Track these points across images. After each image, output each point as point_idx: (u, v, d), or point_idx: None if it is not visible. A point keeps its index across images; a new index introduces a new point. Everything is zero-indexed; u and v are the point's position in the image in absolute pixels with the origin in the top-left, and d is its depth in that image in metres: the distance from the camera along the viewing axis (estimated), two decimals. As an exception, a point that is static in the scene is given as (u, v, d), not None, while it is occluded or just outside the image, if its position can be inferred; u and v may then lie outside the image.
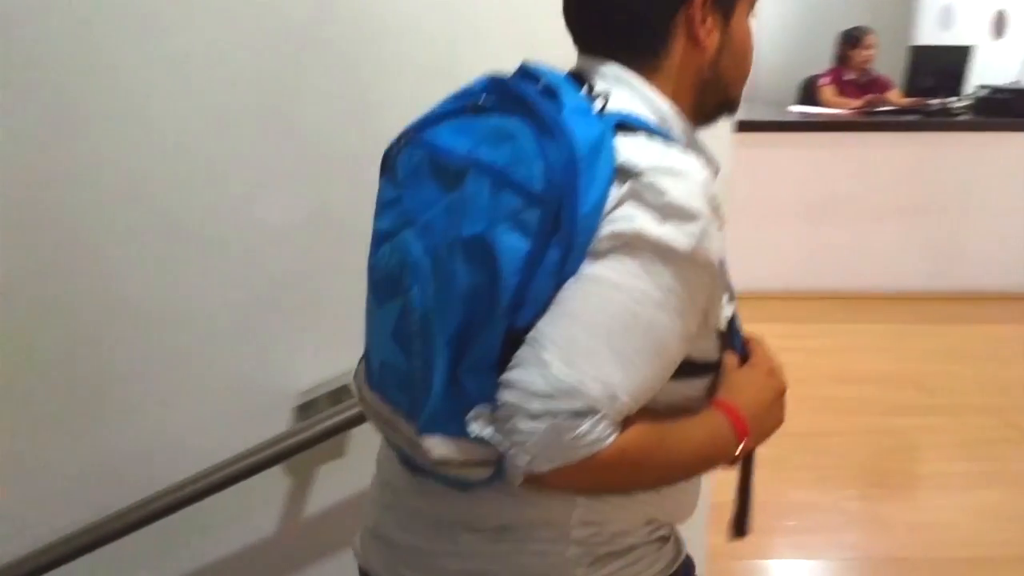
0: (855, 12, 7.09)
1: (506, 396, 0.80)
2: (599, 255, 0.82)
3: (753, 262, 4.20)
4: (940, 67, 5.54)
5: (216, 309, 1.73)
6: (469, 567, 0.97)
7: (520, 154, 0.84)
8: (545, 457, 0.80)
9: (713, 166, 0.91)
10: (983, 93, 5.42)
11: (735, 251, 1.06)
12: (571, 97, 0.88)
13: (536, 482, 0.83)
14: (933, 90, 5.41)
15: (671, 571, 1.04)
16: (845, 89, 5.94)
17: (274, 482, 1.85)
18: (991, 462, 3.30)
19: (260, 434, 1.73)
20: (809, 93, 6.18)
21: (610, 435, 0.80)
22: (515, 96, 0.90)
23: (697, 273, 0.84)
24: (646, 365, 0.82)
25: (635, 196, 0.82)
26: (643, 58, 0.96)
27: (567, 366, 0.78)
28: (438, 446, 0.87)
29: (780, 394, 1.01)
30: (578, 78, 0.95)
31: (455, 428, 0.86)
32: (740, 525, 1.10)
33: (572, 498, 0.94)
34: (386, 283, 0.94)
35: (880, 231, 5.21)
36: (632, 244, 0.82)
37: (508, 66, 0.99)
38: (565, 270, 0.82)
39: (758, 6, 1.05)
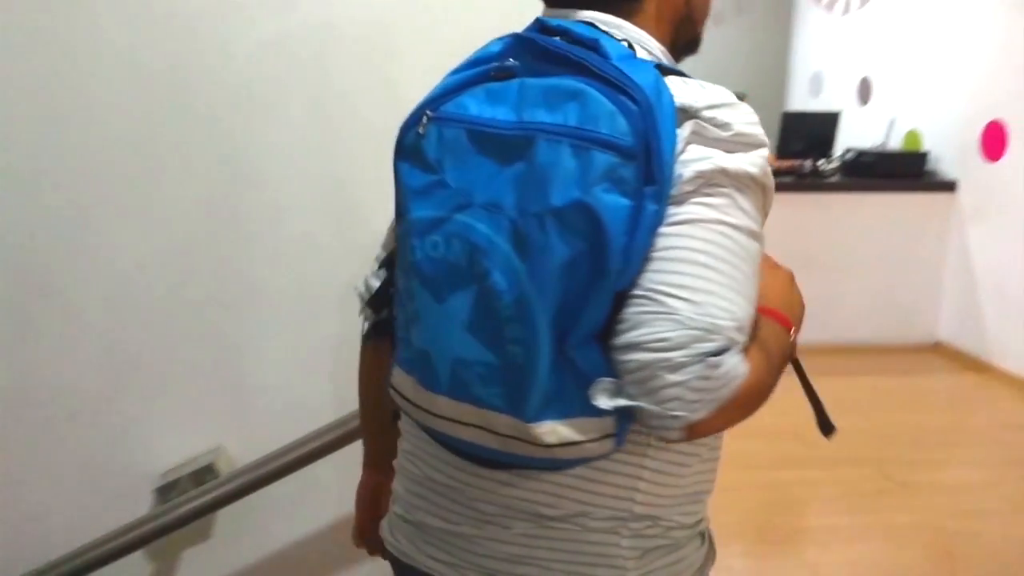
0: (731, 80, 7.38)
1: (640, 357, 0.77)
2: (685, 197, 0.82)
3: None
4: (810, 132, 5.79)
5: (72, 388, 1.64)
6: (517, 552, 0.95)
7: (594, 111, 0.81)
8: (703, 403, 0.77)
9: None
10: (850, 156, 5.69)
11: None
12: (613, 46, 0.87)
13: (691, 433, 0.80)
14: (804, 153, 5.64)
15: (703, 573, 1.05)
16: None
17: (136, 568, 1.74)
18: (870, 515, 3.38)
19: (119, 517, 1.64)
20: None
21: (745, 364, 0.79)
22: (554, 53, 0.87)
23: (762, 197, 0.87)
24: (752, 291, 0.83)
25: (701, 134, 0.83)
26: (625, 3, 0.96)
27: (695, 308, 0.77)
28: (553, 430, 0.83)
29: (791, 280, 1.03)
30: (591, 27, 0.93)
31: (569, 408, 0.83)
32: (825, 424, 1.11)
33: (635, 482, 0.93)
34: (447, 275, 0.87)
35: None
36: (713, 180, 0.82)
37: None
38: (658, 221, 0.81)
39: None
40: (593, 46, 0.86)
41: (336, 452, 1.59)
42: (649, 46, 0.95)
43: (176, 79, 1.58)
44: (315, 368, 1.68)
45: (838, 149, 5.85)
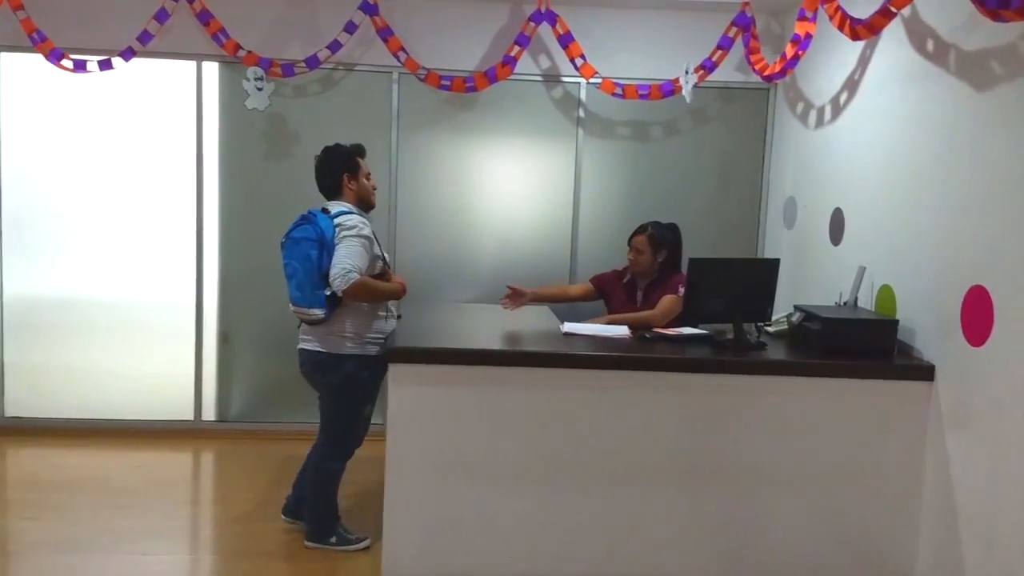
0: (699, 200, 6.01)
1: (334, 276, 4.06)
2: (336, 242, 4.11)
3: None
4: (737, 285, 4.25)
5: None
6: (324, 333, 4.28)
7: (313, 232, 4.13)
8: (345, 285, 4.03)
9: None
10: (795, 320, 4.17)
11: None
12: (323, 214, 4.17)
13: (346, 297, 4.09)
14: (726, 315, 4.15)
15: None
16: (627, 292, 4.84)
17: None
18: None
19: None
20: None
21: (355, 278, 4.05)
22: (307, 216, 4.21)
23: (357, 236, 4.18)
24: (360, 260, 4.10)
25: (339, 227, 4.14)
26: (334, 194, 4.33)
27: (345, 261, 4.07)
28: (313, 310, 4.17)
29: None
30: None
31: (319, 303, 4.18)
32: None
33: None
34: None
35: (654, 505, 3.87)
36: (341, 235, 4.12)
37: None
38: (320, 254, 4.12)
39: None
40: (312, 215, 4.18)
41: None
42: (345, 207, 4.26)
43: None
44: None
45: (782, 308, 4.36)
